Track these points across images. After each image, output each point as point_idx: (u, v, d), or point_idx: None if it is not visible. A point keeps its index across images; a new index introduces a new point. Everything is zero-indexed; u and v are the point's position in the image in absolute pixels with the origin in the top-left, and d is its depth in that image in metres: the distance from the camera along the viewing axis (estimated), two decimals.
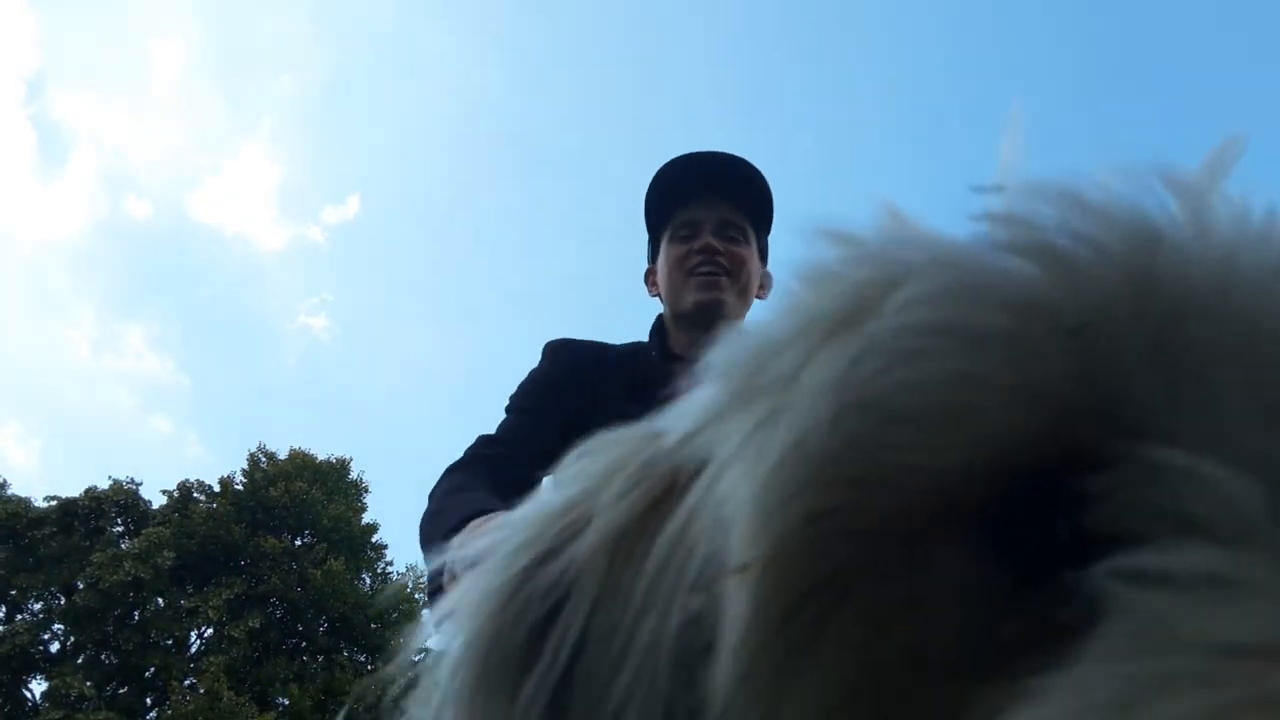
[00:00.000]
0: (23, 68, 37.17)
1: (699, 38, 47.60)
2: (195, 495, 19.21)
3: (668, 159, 1.71)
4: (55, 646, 17.72)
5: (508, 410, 1.58)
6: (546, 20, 48.49)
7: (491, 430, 1.55)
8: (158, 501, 19.26)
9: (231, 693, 15.37)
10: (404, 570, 19.74)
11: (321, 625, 18.34)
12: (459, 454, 1.49)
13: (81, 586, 17.23)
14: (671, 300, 1.65)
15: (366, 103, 45.79)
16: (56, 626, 17.77)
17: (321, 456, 20.06)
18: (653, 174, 1.72)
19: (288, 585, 17.52)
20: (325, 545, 18.55)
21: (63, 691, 15.83)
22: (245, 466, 19.49)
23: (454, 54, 47.96)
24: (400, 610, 18.74)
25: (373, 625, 18.39)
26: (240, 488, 19.11)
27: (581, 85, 49.69)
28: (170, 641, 17.30)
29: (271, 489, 18.61)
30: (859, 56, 47.85)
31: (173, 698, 15.59)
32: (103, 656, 17.32)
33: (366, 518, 19.97)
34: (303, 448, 19.91)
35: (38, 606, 18.30)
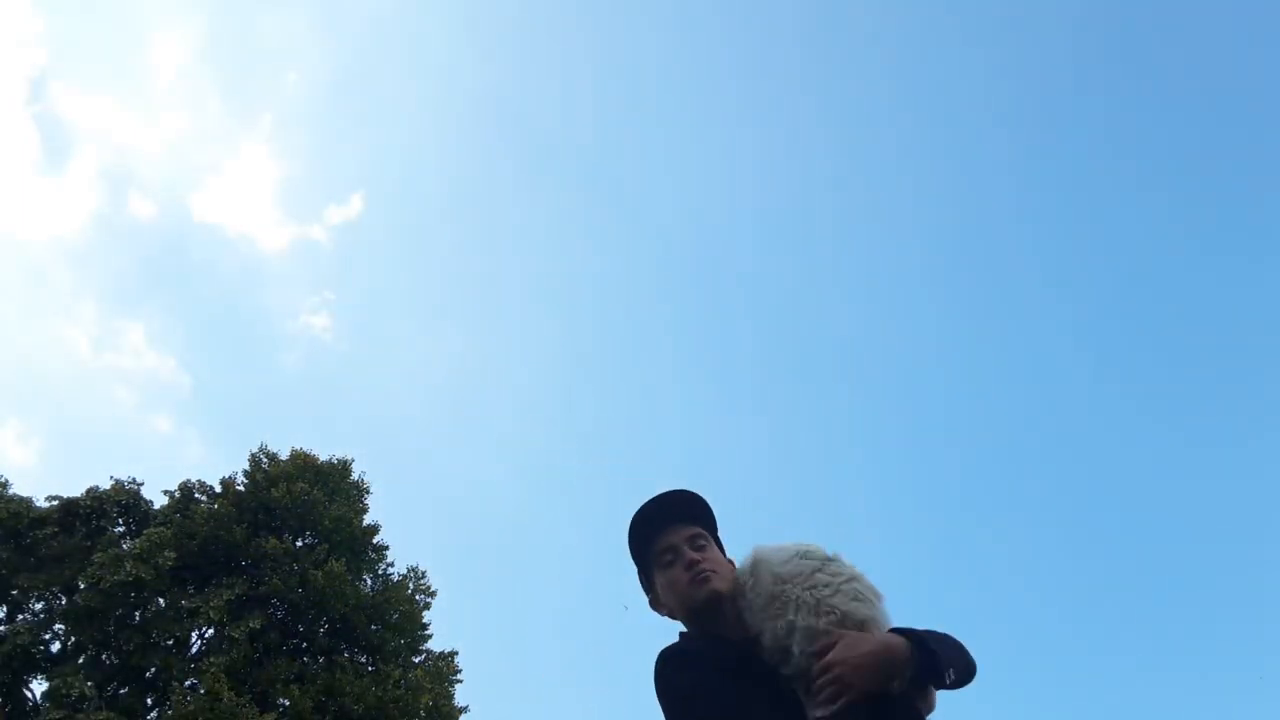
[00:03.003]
0: (27, 66, 37.23)
1: (704, 33, 47.57)
2: (197, 495, 19.20)
3: (638, 505, 2.30)
4: (56, 646, 17.70)
5: (690, 705, 2.01)
6: (551, 18, 48.50)
7: None
8: (159, 501, 19.27)
9: (232, 693, 15.35)
10: (405, 572, 19.76)
11: (322, 626, 18.31)
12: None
13: (83, 586, 17.21)
14: (685, 604, 2.20)
15: (370, 101, 45.80)
16: (57, 626, 17.75)
17: (323, 457, 20.05)
18: (634, 507, 2.29)
19: (289, 586, 17.49)
20: (326, 546, 18.52)
21: (63, 691, 15.81)
22: (247, 466, 19.48)
23: (457, 52, 47.97)
24: (401, 612, 18.73)
25: (373, 626, 18.37)
26: (242, 488, 19.09)
27: (586, 83, 49.69)
28: (171, 642, 17.27)
29: (273, 489, 18.59)
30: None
31: (173, 698, 15.55)
32: (104, 656, 17.29)
33: (368, 519, 19.95)
34: (304, 448, 19.91)
35: (39, 606, 18.29)
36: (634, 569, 2.37)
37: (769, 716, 1.91)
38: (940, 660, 1.89)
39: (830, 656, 1.88)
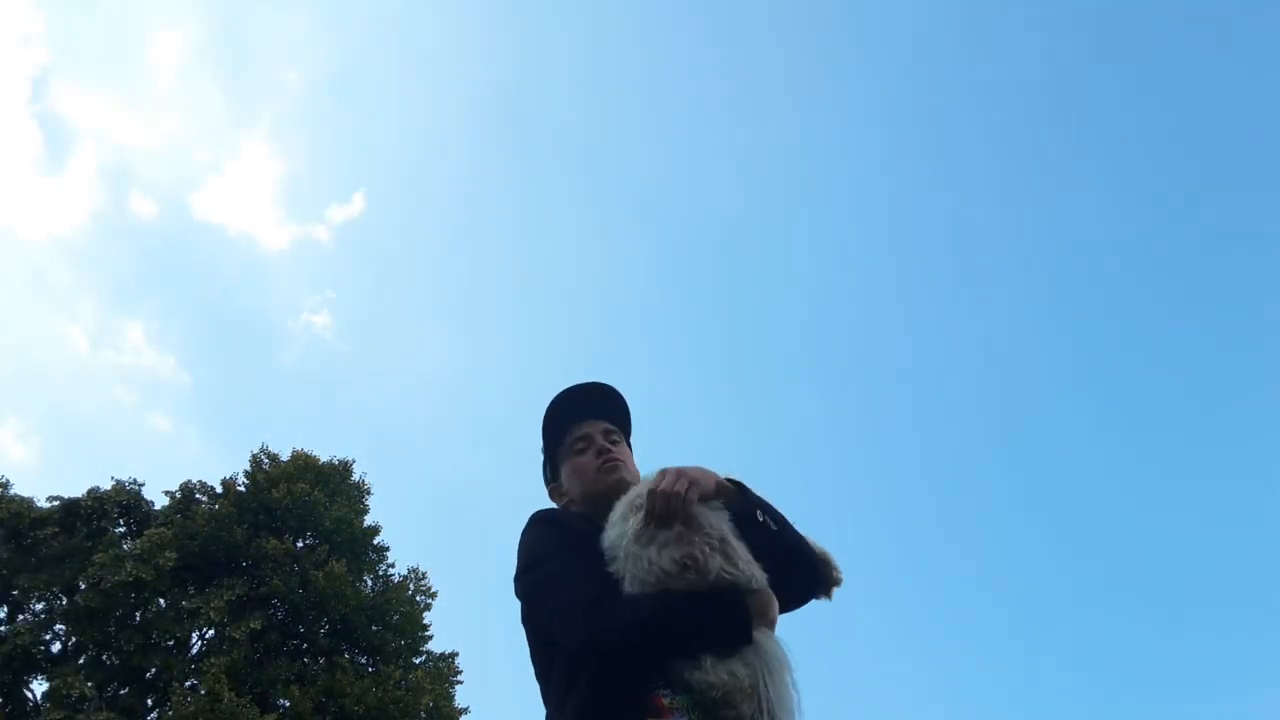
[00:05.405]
0: (28, 65, 37.28)
1: (707, 31, 47.60)
2: (197, 496, 19.20)
3: (557, 391, 2.30)
4: (57, 647, 17.71)
5: (540, 564, 2.00)
6: (553, 14, 48.53)
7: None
8: (160, 502, 19.28)
9: (232, 694, 15.34)
10: (405, 573, 19.75)
11: (323, 627, 18.31)
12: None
13: (83, 587, 17.22)
14: (589, 490, 2.19)
15: (371, 99, 45.87)
16: (58, 627, 17.76)
17: (324, 457, 20.05)
18: (550, 399, 2.30)
19: (289, 587, 17.49)
20: (327, 547, 18.52)
21: (64, 692, 15.81)
22: (247, 467, 19.48)
23: (460, 49, 48.02)
24: (401, 613, 18.72)
25: (374, 627, 18.36)
26: (242, 489, 19.09)
27: (588, 80, 49.71)
28: (171, 642, 17.27)
29: (274, 490, 18.59)
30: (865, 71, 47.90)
31: (174, 699, 15.55)
32: (104, 657, 17.29)
33: (369, 519, 19.94)
34: (305, 448, 19.91)
35: (39, 606, 18.29)
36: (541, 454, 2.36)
37: (610, 598, 1.85)
38: (752, 497, 1.94)
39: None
